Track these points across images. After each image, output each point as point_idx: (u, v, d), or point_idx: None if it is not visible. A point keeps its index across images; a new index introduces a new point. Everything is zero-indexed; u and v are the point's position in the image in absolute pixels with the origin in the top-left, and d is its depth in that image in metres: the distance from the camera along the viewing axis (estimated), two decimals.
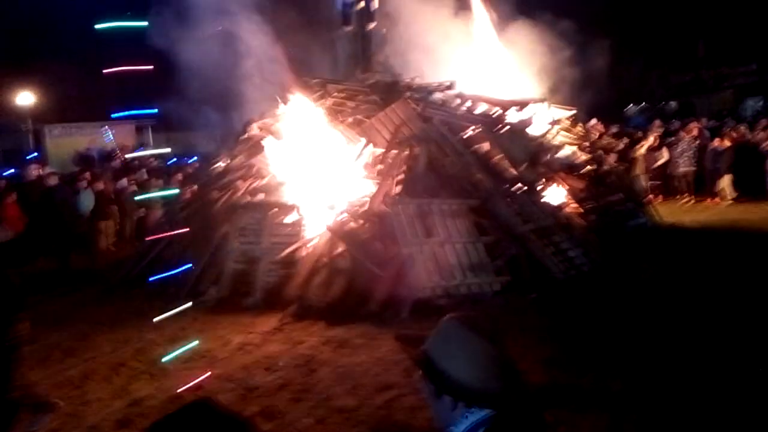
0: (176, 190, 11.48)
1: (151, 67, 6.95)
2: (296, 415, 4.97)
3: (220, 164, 10.18)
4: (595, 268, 8.30)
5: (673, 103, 21.76)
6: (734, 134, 15.43)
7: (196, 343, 6.45)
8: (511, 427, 1.56)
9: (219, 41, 10.54)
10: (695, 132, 15.69)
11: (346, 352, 6.27)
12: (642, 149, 15.72)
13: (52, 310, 8.31)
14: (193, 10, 9.85)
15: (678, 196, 15.41)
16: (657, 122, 17.28)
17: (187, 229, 8.76)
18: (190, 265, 7.94)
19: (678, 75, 24.18)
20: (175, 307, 7.73)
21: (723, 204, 14.84)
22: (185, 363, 6.16)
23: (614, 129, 16.58)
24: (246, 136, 10.21)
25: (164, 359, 6.11)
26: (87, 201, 12.01)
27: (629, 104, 22.20)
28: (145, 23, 7.54)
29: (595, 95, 15.15)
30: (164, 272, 8.16)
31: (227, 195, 9.23)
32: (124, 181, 13.79)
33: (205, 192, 9.70)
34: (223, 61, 10.39)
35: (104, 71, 6.95)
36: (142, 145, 21.37)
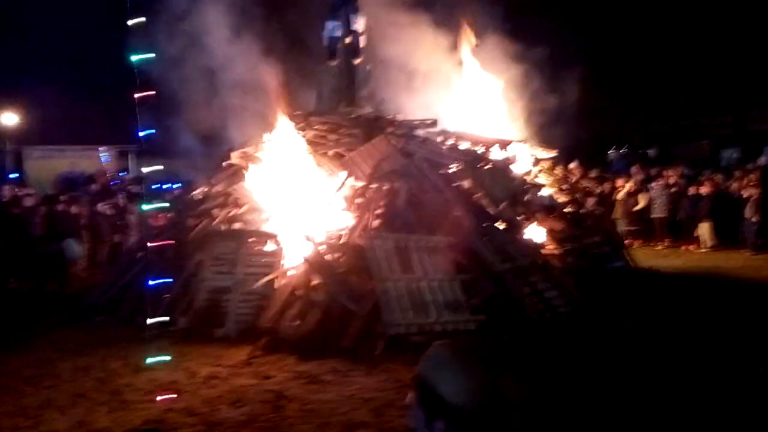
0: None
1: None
2: None
3: (199, 191, 10.07)
4: (571, 311, 8.25)
5: (652, 150, 22.12)
6: (712, 182, 15.70)
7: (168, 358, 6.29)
8: None
9: (203, 69, 10.57)
10: (672, 179, 15.96)
11: (316, 389, 6.10)
12: (621, 194, 15.95)
13: (15, 336, 8.05)
14: (178, 38, 9.86)
15: (655, 242, 15.56)
16: (636, 168, 17.53)
17: (170, 243, 8.54)
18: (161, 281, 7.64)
19: (657, 123, 24.71)
20: (143, 337, 7.58)
21: (700, 251, 14.99)
22: (147, 395, 5.95)
23: (594, 173, 16.78)
24: (226, 163, 10.15)
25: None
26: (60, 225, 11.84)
27: (609, 149, 22.56)
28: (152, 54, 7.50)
29: (575, 139, 15.37)
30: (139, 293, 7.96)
31: (203, 222, 9.10)
32: (101, 206, 13.62)
33: (181, 219, 9.56)
34: (208, 88, 10.39)
35: (136, 96, 6.85)
36: (124, 171, 21.20)
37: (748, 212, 14.90)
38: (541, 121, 13.11)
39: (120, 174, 19.56)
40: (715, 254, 14.53)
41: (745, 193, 14.93)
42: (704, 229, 15.29)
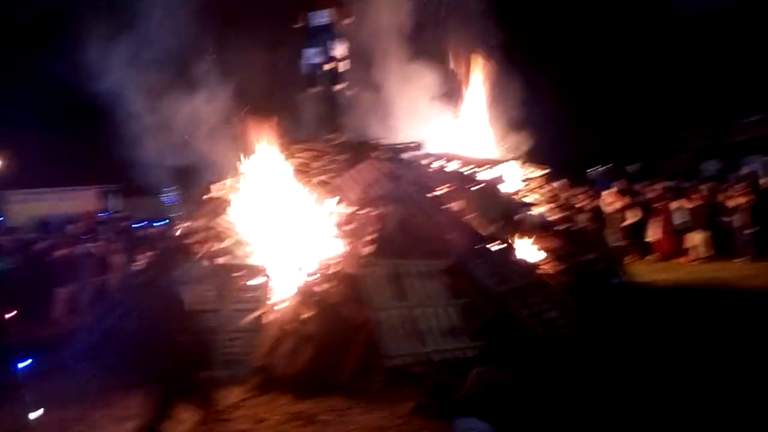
0: None
1: None
2: None
3: (181, 227, 9.72)
4: (573, 330, 7.96)
5: (632, 166, 22.14)
6: (701, 193, 15.62)
7: None
8: None
9: (183, 102, 10.34)
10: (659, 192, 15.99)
11: (314, 430, 5.72)
12: (610, 209, 15.83)
13: None
14: (154, 68, 9.65)
15: (648, 256, 15.43)
16: (621, 183, 17.48)
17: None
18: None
19: (637, 140, 24.85)
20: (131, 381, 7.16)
21: (693, 262, 14.84)
22: None
23: (581, 189, 16.66)
24: (208, 197, 9.83)
25: None
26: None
27: (591, 166, 22.61)
28: None
29: (557, 157, 15.28)
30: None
31: (188, 258, 8.73)
32: (84, 246, 13.19)
33: (164, 257, 9.17)
34: (187, 120, 10.15)
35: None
36: (106, 210, 20.85)
37: (739, 221, 14.82)
38: (523, 140, 13.01)
39: (100, 214, 19.19)
40: (709, 265, 14.37)
41: (733, 203, 14.86)
42: (698, 240, 15.17)
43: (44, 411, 6.45)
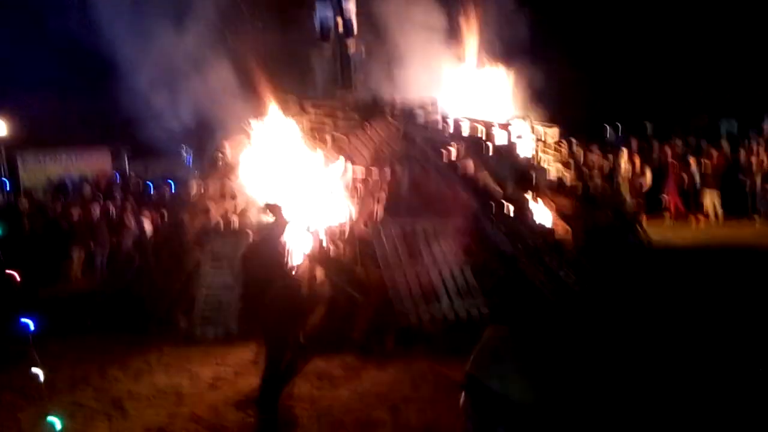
0: None
1: None
2: None
3: (192, 188, 9.69)
4: (587, 289, 7.92)
5: (648, 125, 21.68)
6: (716, 153, 15.34)
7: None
8: None
9: (193, 60, 10.18)
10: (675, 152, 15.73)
11: (326, 387, 5.78)
12: (626, 169, 15.61)
13: (7, 346, 7.70)
14: (166, 28, 9.48)
15: (663, 215, 15.28)
16: (635, 142, 17.20)
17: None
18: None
19: (655, 99, 24.29)
20: (144, 341, 7.26)
21: (707, 222, 14.68)
22: (148, 401, 5.63)
23: (595, 149, 16.41)
24: (219, 157, 9.76)
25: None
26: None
27: (606, 125, 22.21)
28: None
29: (571, 116, 15.00)
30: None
31: (199, 219, 8.74)
32: (100, 206, 13.24)
33: (175, 217, 9.20)
34: (198, 79, 10.01)
35: None
36: (119, 170, 20.89)
37: (759, 180, 14.58)
38: (536, 98, 12.79)
39: (116, 174, 19.24)
40: (726, 224, 14.23)
41: (756, 162, 14.60)
42: (712, 200, 14.98)
43: (54, 369, 6.56)
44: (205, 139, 10.68)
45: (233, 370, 6.43)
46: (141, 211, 11.73)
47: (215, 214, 8.77)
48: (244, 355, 6.88)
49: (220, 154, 9.65)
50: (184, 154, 12.55)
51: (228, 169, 9.37)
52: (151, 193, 15.33)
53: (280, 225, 5.29)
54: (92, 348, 7.48)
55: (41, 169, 20.40)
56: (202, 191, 9.41)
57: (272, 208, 5.42)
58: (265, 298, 4.96)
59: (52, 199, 14.89)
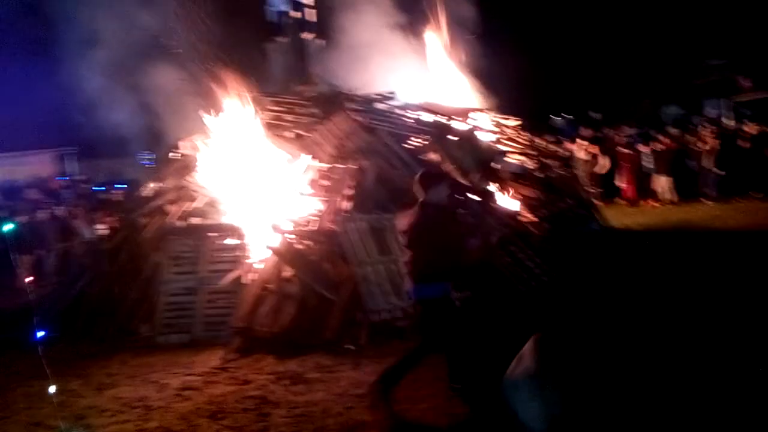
0: None
1: None
2: None
3: (148, 189, 9.29)
4: (554, 278, 7.96)
5: (596, 113, 22.09)
6: (667, 138, 15.76)
7: None
8: None
9: (143, 56, 9.76)
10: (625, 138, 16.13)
11: (302, 390, 5.59)
12: (582, 156, 15.88)
13: None
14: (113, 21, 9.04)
15: (616, 201, 15.64)
16: (586, 130, 17.53)
17: None
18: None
19: (600, 86, 24.80)
20: (103, 351, 6.94)
21: (661, 206, 15.09)
22: (113, 416, 5.33)
23: (550, 138, 16.62)
24: (175, 156, 9.39)
25: None
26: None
27: (553, 114, 22.55)
28: None
29: (520, 106, 15.18)
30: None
31: (157, 221, 8.38)
32: (46, 212, 12.63)
33: (131, 220, 8.80)
34: (148, 77, 9.61)
35: None
36: (65, 174, 20.07)
37: (707, 163, 15.05)
38: (486, 91, 12.85)
39: (59, 178, 18.46)
40: (677, 208, 14.66)
41: (704, 146, 15.05)
42: (663, 185, 15.40)
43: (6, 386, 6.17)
44: (159, 139, 10.28)
45: (202, 378, 6.16)
46: (93, 214, 11.23)
47: (173, 215, 8.42)
48: (211, 361, 6.64)
49: (175, 153, 9.29)
50: (138, 155, 12.07)
51: (185, 168, 9.02)
52: (102, 195, 14.74)
53: (445, 194, 5.11)
54: (48, 361, 7.04)
55: None
56: (159, 192, 9.04)
57: (431, 179, 5.19)
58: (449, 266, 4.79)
59: None
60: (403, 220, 5.35)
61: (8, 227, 5.74)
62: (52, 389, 5.09)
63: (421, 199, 5.05)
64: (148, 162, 15.83)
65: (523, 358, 1.30)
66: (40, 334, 5.07)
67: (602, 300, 7.05)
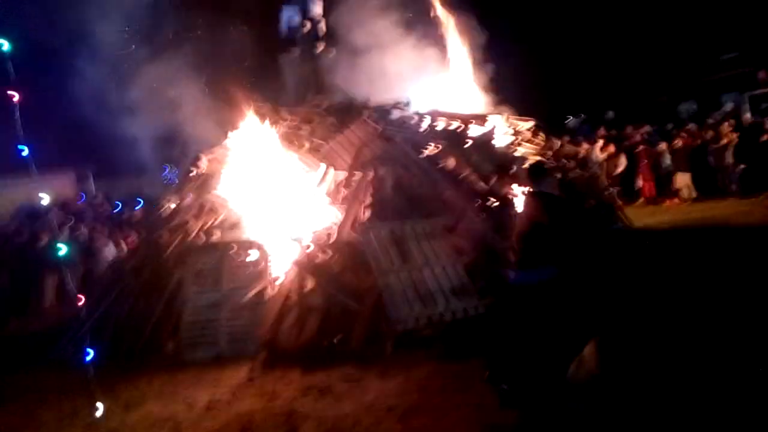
0: None
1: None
2: None
3: (169, 205, 9.36)
4: (578, 278, 7.85)
5: (610, 112, 21.89)
6: (685, 134, 15.57)
7: None
8: None
9: (159, 75, 9.86)
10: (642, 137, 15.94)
11: (330, 402, 5.55)
12: (602, 156, 15.72)
13: None
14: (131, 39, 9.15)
15: (636, 201, 15.46)
16: (602, 130, 17.37)
17: None
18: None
19: (614, 85, 24.60)
20: (131, 368, 6.97)
21: (682, 204, 14.87)
22: None
23: (566, 139, 16.50)
24: (195, 172, 9.45)
25: None
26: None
27: (567, 115, 22.39)
28: None
29: (534, 108, 15.13)
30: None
31: (179, 238, 8.43)
32: (67, 232, 12.77)
33: (153, 237, 8.86)
34: (165, 94, 9.70)
35: None
36: (84, 194, 20.26)
37: (729, 158, 14.82)
38: (500, 95, 12.81)
39: (80, 199, 18.62)
40: (699, 205, 14.42)
41: (724, 140, 14.83)
42: (684, 182, 15.18)
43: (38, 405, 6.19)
44: (179, 154, 10.36)
45: (229, 392, 6.16)
46: (115, 232, 11.32)
47: (195, 230, 8.47)
48: (237, 375, 6.63)
49: (195, 168, 9.35)
50: (158, 171, 12.17)
51: (205, 183, 9.07)
52: (122, 212, 14.86)
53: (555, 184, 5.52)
54: (77, 381, 7.10)
55: (5, 196, 19.64)
56: (179, 207, 9.10)
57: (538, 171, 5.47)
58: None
59: (19, 225, 14.31)
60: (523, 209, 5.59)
61: (63, 251, 5.70)
62: (99, 411, 5.08)
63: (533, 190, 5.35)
64: (168, 178, 15.98)
65: (584, 361, 1.27)
66: (89, 355, 5.08)
67: (649, 300, 6.94)
